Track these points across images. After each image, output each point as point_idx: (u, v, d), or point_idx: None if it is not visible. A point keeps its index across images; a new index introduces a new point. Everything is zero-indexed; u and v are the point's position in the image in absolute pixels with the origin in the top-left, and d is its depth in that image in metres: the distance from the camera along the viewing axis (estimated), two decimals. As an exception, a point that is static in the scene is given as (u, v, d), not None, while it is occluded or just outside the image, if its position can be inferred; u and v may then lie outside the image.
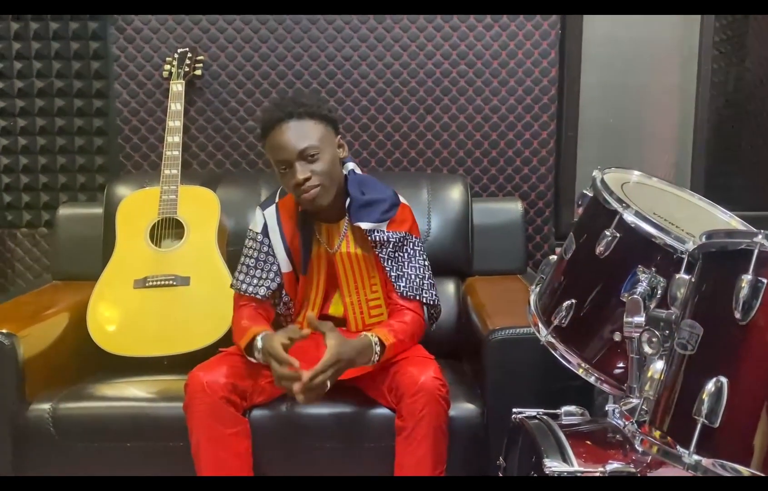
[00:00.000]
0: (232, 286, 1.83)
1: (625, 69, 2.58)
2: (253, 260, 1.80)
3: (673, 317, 1.04)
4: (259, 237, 1.81)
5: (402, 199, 1.86)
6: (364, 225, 1.75)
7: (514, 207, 2.41)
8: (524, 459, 1.33)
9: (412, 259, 1.81)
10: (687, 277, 1.03)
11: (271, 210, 1.82)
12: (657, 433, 0.96)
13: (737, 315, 0.88)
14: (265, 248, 1.80)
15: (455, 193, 2.35)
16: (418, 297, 1.79)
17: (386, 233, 1.77)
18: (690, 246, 1.10)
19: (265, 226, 1.81)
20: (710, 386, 0.88)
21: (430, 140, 2.54)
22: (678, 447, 0.90)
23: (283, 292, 1.82)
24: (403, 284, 1.78)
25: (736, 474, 0.83)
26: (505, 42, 2.49)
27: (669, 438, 0.93)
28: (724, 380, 0.88)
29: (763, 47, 2.81)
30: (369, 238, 1.77)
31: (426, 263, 1.85)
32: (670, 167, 2.62)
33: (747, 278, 0.88)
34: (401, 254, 1.80)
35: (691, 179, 2.61)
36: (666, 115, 2.64)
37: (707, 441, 0.88)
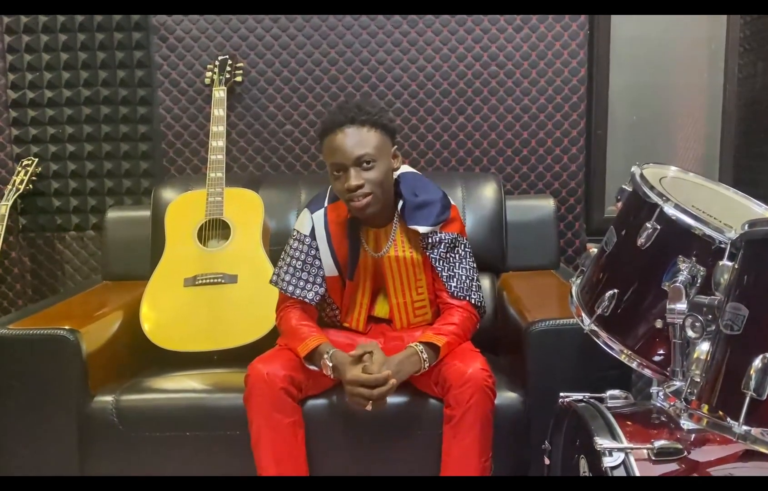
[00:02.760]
0: (274, 282, 1.87)
1: (652, 68, 2.63)
2: (300, 262, 1.84)
3: (716, 302, 1.11)
4: (308, 240, 1.85)
5: (451, 200, 1.91)
6: (421, 229, 1.80)
7: (546, 204, 2.47)
8: (571, 439, 1.40)
9: (463, 260, 1.86)
10: (730, 264, 1.10)
11: (320, 214, 1.85)
12: (706, 408, 1.03)
13: (781, 297, 0.96)
14: (313, 252, 1.84)
15: (489, 191, 2.42)
16: (467, 298, 1.84)
17: (440, 234, 1.82)
18: (732, 235, 1.16)
19: (313, 229, 1.85)
20: (757, 362, 0.95)
21: (462, 139, 2.61)
22: (728, 419, 0.97)
23: (327, 296, 1.88)
24: (454, 284, 1.82)
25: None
26: (534, 43, 2.56)
27: (719, 411, 1.00)
28: (770, 356, 0.95)
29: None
30: (422, 241, 1.82)
31: (474, 265, 1.90)
32: (699, 162, 2.67)
33: (790, 262, 0.95)
34: (452, 255, 1.84)
35: (719, 176, 2.66)
36: (693, 113, 2.69)
37: (756, 412, 0.95)
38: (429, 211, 1.81)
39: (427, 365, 1.73)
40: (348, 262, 1.83)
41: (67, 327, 1.87)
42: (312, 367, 1.75)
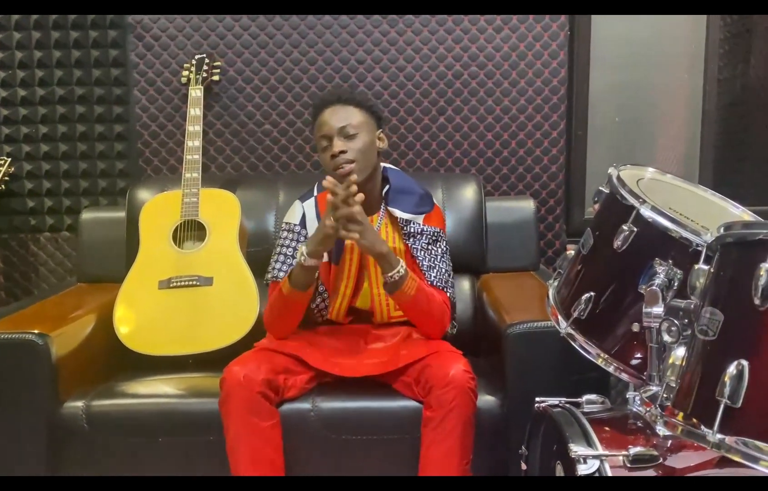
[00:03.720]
0: (268, 280, 1.89)
1: (633, 68, 2.63)
2: (291, 250, 1.88)
3: (693, 306, 1.10)
4: (297, 228, 1.90)
5: (436, 202, 1.99)
6: (400, 213, 1.86)
7: (527, 205, 2.46)
8: (547, 445, 1.39)
9: (444, 255, 1.93)
10: (706, 267, 1.08)
11: (311, 202, 1.93)
12: (680, 415, 1.01)
13: (756, 302, 0.94)
14: (303, 239, 1.88)
15: (469, 192, 2.40)
16: (446, 290, 1.87)
17: (421, 226, 1.88)
18: (708, 238, 1.15)
19: (304, 217, 1.90)
20: (732, 369, 0.94)
21: (443, 140, 2.59)
22: (702, 426, 0.96)
23: (319, 283, 1.87)
24: (434, 274, 1.86)
25: (758, 452, 0.89)
26: (515, 44, 2.54)
27: (693, 419, 0.99)
28: (745, 363, 0.94)
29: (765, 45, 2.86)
30: (403, 229, 1.85)
31: (451, 266, 1.97)
32: (679, 163, 2.67)
33: (765, 266, 0.94)
34: (434, 248, 1.90)
35: (699, 176, 2.66)
36: (674, 114, 2.69)
37: (730, 420, 0.94)
38: (411, 198, 1.90)
39: (397, 271, 1.74)
40: (334, 245, 1.84)
41: (36, 331, 1.83)
42: (303, 287, 1.77)
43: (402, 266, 1.76)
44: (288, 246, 1.89)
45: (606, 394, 1.65)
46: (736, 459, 0.92)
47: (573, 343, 1.46)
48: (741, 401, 0.93)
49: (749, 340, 0.96)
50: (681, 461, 1.17)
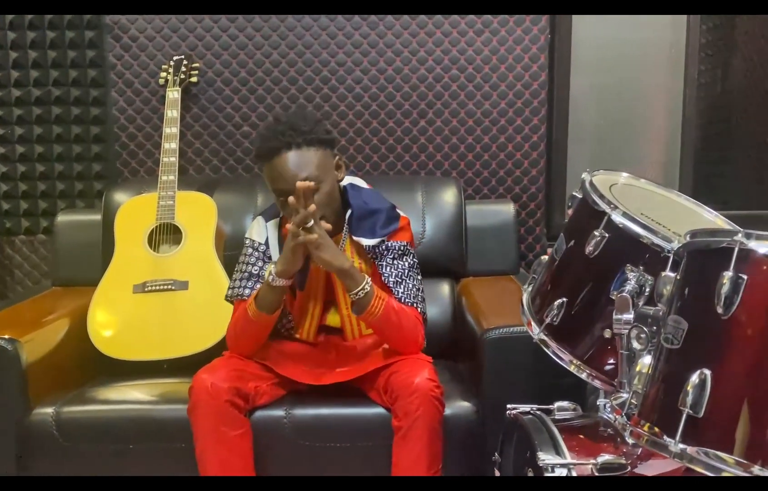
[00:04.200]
0: (229, 297, 1.81)
1: (614, 72, 2.63)
2: (256, 269, 1.79)
3: (660, 313, 1.09)
4: (262, 247, 1.81)
5: (401, 212, 1.86)
6: (366, 241, 1.76)
7: (507, 209, 2.45)
8: (519, 453, 1.37)
9: (411, 270, 1.81)
10: (672, 275, 1.07)
11: (273, 224, 1.83)
12: (646, 425, 1.00)
13: (719, 310, 0.93)
14: (268, 259, 1.80)
15: (449, 195, 2.39)
16: (415, 305, 1.79)
17: (386, 243, 1.78)
18: (675, 245, 1.14)
19: (268, 239, 1.81)
20: (694, 378, 0.92)
21: (423, 143, 2.58)
22: (665, 436, 0.95)
23: (284, 308, 1.82)
24: (402, 290, 1.77)
25: (720, 463, 0.88)
26: (495, 47, 2.53)
27: (656, 428, 0.97)
28: (707, 372, 0.93)
29: (748, 49, 2.87)
30: (368, 252, 1.78)
31: (420, 278, 1.85)
32: (659, 167, 2.67)
33: (728, 274, 0.93)
34: (401, 262, 1.79)
35: (679, 179, 2.66)
36: (655, 117, 2.69)
37: (692, 430, 0.93)
38: (375, 220, 1.78)
39: (362, 288, 1.66)
40: (299, 272, 1.77)
41: (6, 337, 1.80)
42: (270, 310, 1.70)
43: (367, 283, 1.67)
44: (252, 265, 1.80)
45: (583, 399, 1.65)
46: (698, 469, 0.91)
47: (546, 349, 1.45)
48: (703, 410, 0.92)
49: (712, 349, 0.95)
50: (650, 469, 1.16)
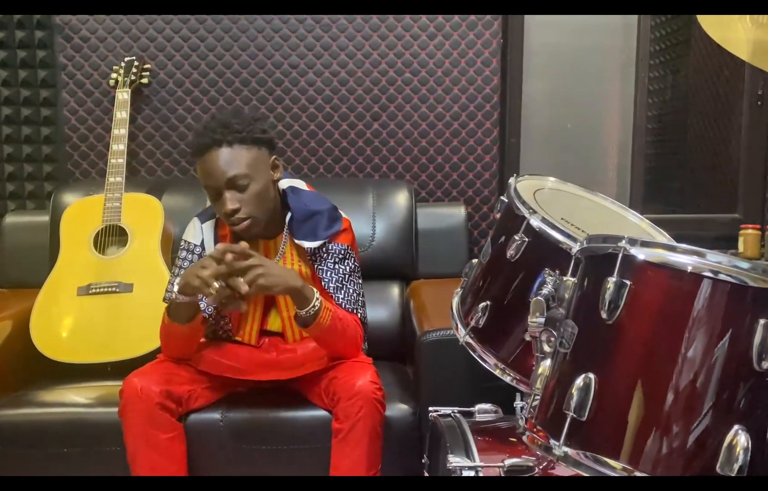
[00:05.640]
0: (165, 299, 1.80)
1: (566, 77, 2.66)
2: None
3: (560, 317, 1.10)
4: (198, 249, 1.79)
5: (342, 213, 1.84)
6: (309, 244, 1.74)
7: (458, 212, 2.47)
8: (440, 456, 1.38)
9: (352, 274, 1.79)
10: (573, 279, 1.08)
11: (209, 225, 1.81)
12: (539, 429, 1.01)
13: (604, 315, 0.94)
14: None
15: (400, 198, 2.40)
16: (355, 312, 1.78)
17: (328, 246, 1.76)
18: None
19: (203, 240, 1.79)
20: (579, 381, 0.93)
21: (377, 146, 2.58)
22: (550, 439, 0.96)
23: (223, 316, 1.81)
24: (342, 296, 1.75)
25: (603, 467, 0.89)
26: (448, 51, 2.54)
27: (544, 431, 0.98)
28: (592, 376, 0.94)
29: (699, 57, 2.90)
30: (309, 255, 1.76)
31: (361, 282, 1.83)
32: (612, 172, 2.70)
33: (612, 280, 0.94)
34: (342, 267, 1.77)
35: (631, 184, 2.69)
36: (608, 122, 2.72)
37: (576, 433, 0.94)
38: (316, 222, 1.75)
39: (312, 305, 1.60)
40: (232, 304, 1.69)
41: (-58, 339, 1.79)
42: (182, 321, 1.66)
43: (317, 300, 1.62)
44: (185, 268, 1.75)
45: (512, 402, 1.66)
46: (580, 471, 0.92)
47: (472, 352, 1.46)
48: (587, 414, 0.93)
49: (597, 353, 0.96)
50: (567, 470, 1.16)
